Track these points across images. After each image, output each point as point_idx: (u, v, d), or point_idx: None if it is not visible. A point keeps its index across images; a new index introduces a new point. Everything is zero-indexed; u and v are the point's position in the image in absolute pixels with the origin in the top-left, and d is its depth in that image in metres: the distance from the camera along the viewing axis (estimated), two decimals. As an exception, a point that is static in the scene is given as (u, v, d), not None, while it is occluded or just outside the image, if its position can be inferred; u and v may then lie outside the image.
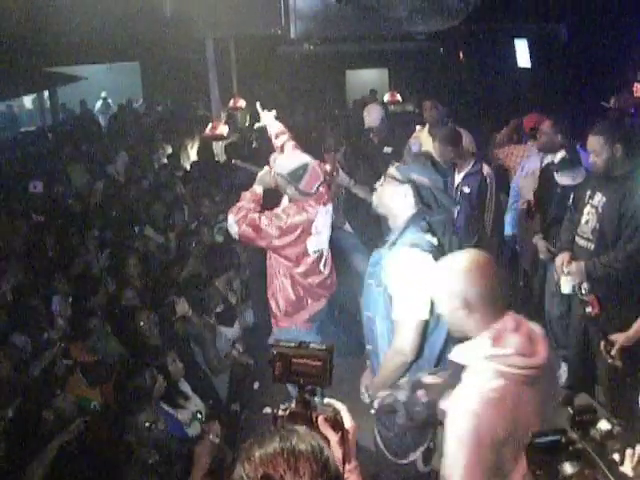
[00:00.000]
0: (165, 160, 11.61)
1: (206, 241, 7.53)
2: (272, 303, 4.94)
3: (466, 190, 6.36)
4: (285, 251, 4.72)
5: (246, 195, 4.84)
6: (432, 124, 7.74)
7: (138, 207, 8.84)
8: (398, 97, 13.26)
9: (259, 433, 1.63)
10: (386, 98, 13.40)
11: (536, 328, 2.68)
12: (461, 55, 16.73)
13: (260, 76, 15.30)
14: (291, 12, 11.83)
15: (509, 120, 8.27)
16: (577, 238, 5.12)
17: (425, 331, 3.49)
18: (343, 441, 1.85)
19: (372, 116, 8.16)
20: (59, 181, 10.03)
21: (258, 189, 4.86)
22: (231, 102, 12.89)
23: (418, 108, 12.11)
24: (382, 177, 3.76)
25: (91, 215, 8.59)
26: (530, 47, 13.38)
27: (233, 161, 8.35)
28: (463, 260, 2.71)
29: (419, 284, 3.36)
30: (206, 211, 8.46)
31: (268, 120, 5.84)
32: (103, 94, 19.85)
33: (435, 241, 3.52)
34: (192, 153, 12.42)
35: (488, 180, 6.39)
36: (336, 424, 1.86)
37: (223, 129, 10.25)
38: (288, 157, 4.94)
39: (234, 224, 4.64)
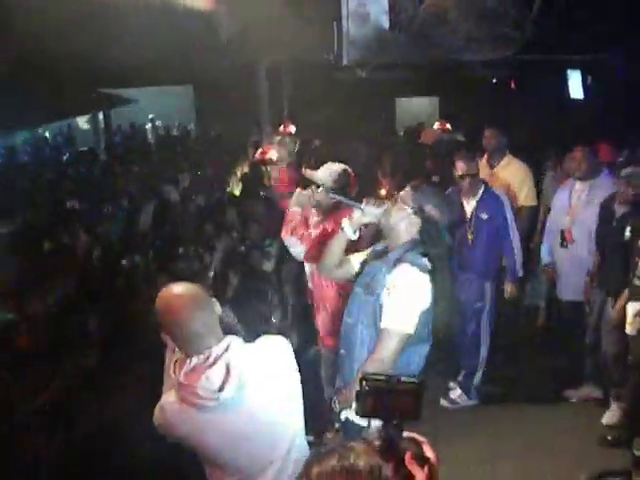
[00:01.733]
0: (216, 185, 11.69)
1: (256, 265, 7.53)
2: (319, 322, 4.93)
3: (484, 216, 6.23)
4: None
5: (290, 216, 4.90)
6: (492, 153, 7.62)
7: (187, 229, 8.90)
8: (448, 126, 13.21)
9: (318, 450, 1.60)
10: (435, 127, 13.37)
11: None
12: (513, 85, 16.63)
13: (311, 102, 15.38)
14: (344, 39, 11.91)
15: (560, 150, 8.10)
16: (635, 279, 5.05)
17: (404, 345, 3.57)
18: (431, 476, 1.76)
19: (428, 135, 8.11)
20: (111, 201, 10.17)
21: (295, 209, 4.91)
22: (281, 127, 12.99)
23: (468, 137, 12.07)
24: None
25: (140, 237, 8.69)
26: (583, 78, 13.26)
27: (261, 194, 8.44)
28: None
29: (413, 300, 3.54)
30: (254, 235, 8.47)
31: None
32: (151, 116, 20.17)
33: (430, 266, 3.64)
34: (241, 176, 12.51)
35: (505, 204, 6.28)
36: (422, 459, 1.78)
37: (273, 154, 10.33)
38: (327, 167, 4.95)
39: (297, 243, 4.70)
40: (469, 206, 6.27)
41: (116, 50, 10.66)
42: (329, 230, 4.61)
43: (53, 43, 9.74)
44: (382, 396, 1.85)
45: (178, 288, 2.73)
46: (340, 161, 5.46)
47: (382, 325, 3.56)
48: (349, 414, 3.66)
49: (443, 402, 6.45)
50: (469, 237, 6.20)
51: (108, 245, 8.30)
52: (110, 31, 9.57)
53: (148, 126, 20.03)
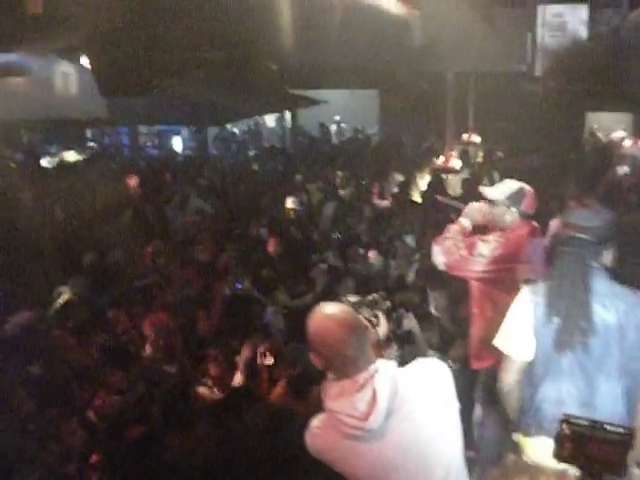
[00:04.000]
0: (396, 189, 11.75)
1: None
2: (475, 340, 4.80)
3: None
4: (493, 280, 4.58)
5: (453, 227, 4.79)
6: None
7: (366, 231, 9.02)
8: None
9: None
10: (627, 144, 12.69)
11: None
12: None
13: (498, 112, 15.08)
14: (538, 49, 11.62)
15: None
16: None
17: None
18: None
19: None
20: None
21: (466, 222, 4.80)
22: (465, 136, 12.85)
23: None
24: None
25: (319, 235, 8.90)
26: None
27: (438, 197, 8.32)
28: None
29: None
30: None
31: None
32: (337, 118, 20.50)
33: None
34: (421, 183, 12.49)
35: None
36: None
37: (456, 163, 10.26)
38: (502, 184, 4.84)
39: (441, 254, 4.63)
40: None
41: (306, 52, 10.94)
42: (465, 252, 4.54)
43: (250, 44, 10.17)
44: (583, 443, 1.68)
45: (331, 309, 2.63)
46: (520, 175, 5.35)
47: None
48: None
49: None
50: None
51: (289, 239, 8.56)
52: (306, 33, 9.83)
53: (333, 127, 20.41)
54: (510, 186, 4.70)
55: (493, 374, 4.48)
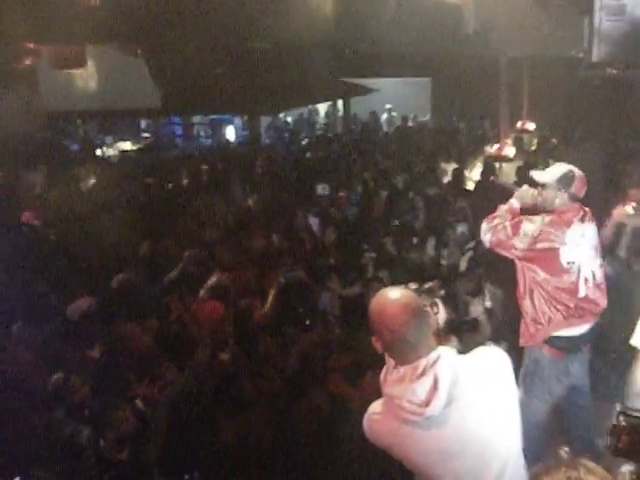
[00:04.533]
0: (449, 177, 11.66)
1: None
2: (525, 319, 4.79)
3: None
4: (536, 260, 4.62)
5: (502, 207, 4.86)
6: None
7: (416, 218, 8.98)
8: None
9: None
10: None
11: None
12: None
13: (553, 100, 14.83)
14: (595, 34, 11.35)
15: None
16: None
17: None
18: None
19: None
20: (346, 187, 10.48)
21: (515, 204, 4.87)
22: (519, 124, 12.67)
23: None
24: None
25: (372, 223, 8.89)
26: None
27: (491, 178, 8.24)
28: None
29: None
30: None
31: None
32: (388, 106, 20.40)
33: None
34: (475, 172, 12.37)
35: None
36: None
37: (509, 151, 10.13)
38: (553, 167, 4.91)
39: (487, 231, 4.71)
40: None
41: (358, 41, 10.92)
42: (510, 231, 4.62)
43: (305, 33, 10.20)
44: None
45: (395, 294, 2.62)
46: (577, 163, 5.31)
47: None
48: None
49: None
50: None
51: (343, 228, 8.57)
52: (359, 22, 9.81)
53: (384, 116, 20.31)
54: (560, 169, 4.75)
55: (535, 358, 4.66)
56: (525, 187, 4.97)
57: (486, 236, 4.72)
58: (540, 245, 4.55)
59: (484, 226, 4.76)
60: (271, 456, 4.33)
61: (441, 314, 3.09)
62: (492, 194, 9.32)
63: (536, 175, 4.89)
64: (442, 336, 3.06)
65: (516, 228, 4.62)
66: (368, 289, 6.39)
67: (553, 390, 4.68)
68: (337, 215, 9.30)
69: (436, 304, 3.12)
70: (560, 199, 4.67)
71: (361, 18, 10.18)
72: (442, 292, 3.30)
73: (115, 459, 4.18)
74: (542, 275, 4.61)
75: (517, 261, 4.75)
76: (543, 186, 4.77)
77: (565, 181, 4.65)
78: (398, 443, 2.63)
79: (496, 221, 4.71)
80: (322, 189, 9.79)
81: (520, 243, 4.58)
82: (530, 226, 4.60)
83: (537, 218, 4.68)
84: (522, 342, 4.78)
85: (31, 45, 11.55)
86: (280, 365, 5.21)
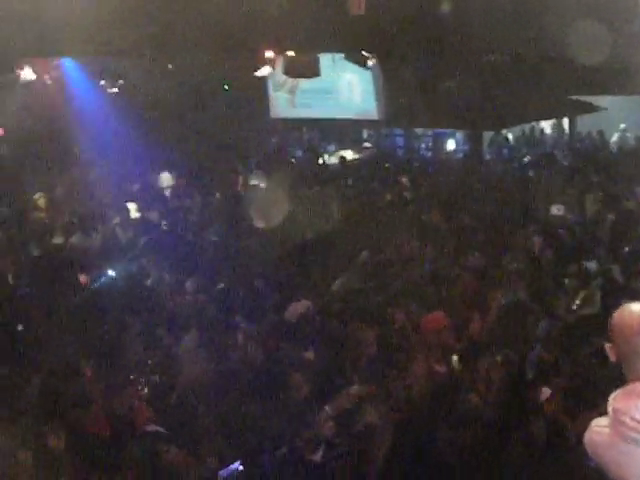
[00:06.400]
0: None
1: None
2: None
3: None
4: None
5: None
6: None
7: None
8: None
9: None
10: None
11: None
12: None
13: None
14: None
15: None
16: None
17: None
18: None
19: None
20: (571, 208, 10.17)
21: None
22: None
23: None
24: None
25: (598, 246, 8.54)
26: None
27: None
28: None
29: None
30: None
31: None
32: (622, 126, 19.38)
33: None
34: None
35: None
36: None
37: None
38: None
39: None
40: None
41: (598, 55, 10.47)
42: None
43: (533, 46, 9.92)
44: None
45: (637, 308, 2.58)
46: None
47: None
48: None
49: None
50: None
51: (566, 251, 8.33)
52: (608, 35, 9.38)
53: (615, 136, 19.31)
54: None
55: None
56: None
57: None
58: None
59: None
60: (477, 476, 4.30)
61: None
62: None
63: None
64: None
65: None
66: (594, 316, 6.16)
67: None
68: (565, 237, 9.00)
69: None
70: None
71: (610, 31, 9.74)
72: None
73: (307, 458, 4.32)
74: None
75: None
76: None
77: None
78: (615, 460, 2.50)
79: None
80: (557, 210, 9.66)
81: None
82: None
83: None
84: None
85: (269, 54, 12.15)
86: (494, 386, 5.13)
